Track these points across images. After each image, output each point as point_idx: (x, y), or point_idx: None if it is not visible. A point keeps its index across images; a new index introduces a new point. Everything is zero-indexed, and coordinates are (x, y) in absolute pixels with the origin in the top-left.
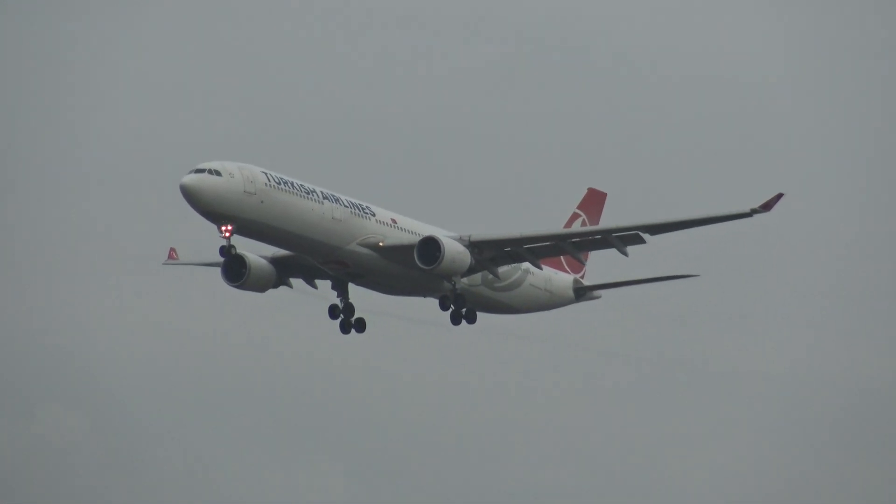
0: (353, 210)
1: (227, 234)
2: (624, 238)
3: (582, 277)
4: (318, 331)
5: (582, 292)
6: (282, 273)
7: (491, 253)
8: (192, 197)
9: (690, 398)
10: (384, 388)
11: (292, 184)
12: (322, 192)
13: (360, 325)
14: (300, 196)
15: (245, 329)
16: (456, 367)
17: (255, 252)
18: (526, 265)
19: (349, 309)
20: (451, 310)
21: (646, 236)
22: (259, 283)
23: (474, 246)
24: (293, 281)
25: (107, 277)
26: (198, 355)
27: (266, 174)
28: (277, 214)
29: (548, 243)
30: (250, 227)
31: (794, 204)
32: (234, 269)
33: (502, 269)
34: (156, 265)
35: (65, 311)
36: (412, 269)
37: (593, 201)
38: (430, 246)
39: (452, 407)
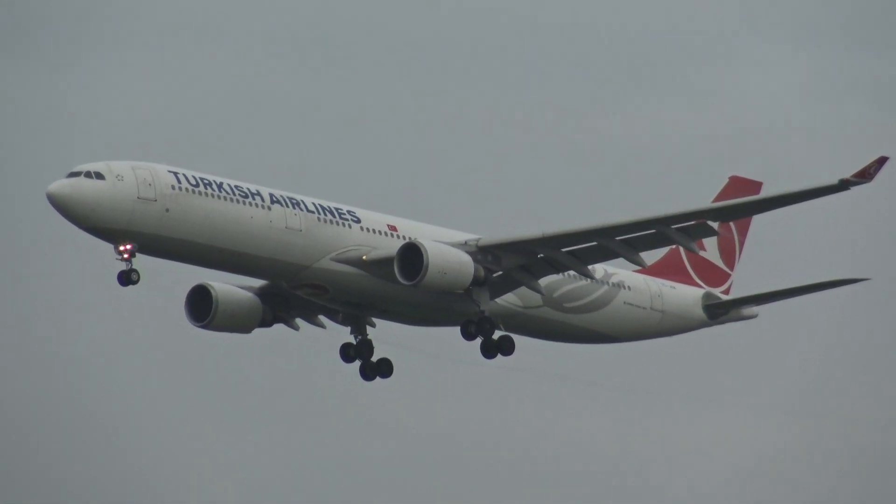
0: (321, 216)
1: (126, 256)
2: (687, 229)
3: (726, 291)
4: (331, 379)
5: (720, 310)
6: (276, 307)
7: (515, 260)
8: (63, 208)
9: None
10: (422, 450)
11: (220, 185)
12: (272, 196)
13: (385, 368)
14: (230, 201)
15: (233, 383)
16: (516, 419)
17: (237, 282)
18: (620, 277)
19: (365, 347)
20: (477, 339)
21: (714, 225)
22: (237, 321)
23: (485, 252)
24: (296, 315)
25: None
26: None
27: (177, 175)
28: (194, 226)
29: (588, 244)
30: (159, 246)
31: None
32: (201, 306)
33: (575, 286)
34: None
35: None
36: (415, 288)
37: (739, 194)
38: (411, 254)
39: (511, 471)
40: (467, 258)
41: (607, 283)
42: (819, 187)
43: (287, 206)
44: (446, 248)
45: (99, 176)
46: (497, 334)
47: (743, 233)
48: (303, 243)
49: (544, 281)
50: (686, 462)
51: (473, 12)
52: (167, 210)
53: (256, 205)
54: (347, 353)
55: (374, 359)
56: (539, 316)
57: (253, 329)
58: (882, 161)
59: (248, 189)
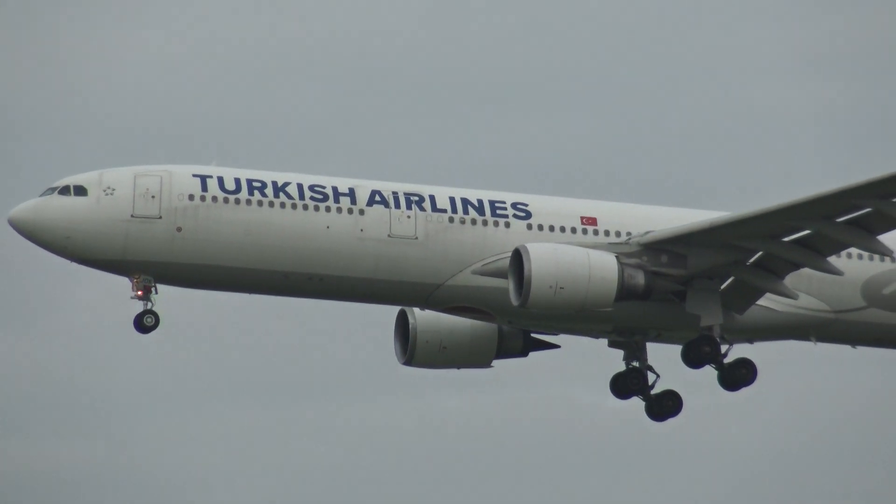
0: (458, 215)
1: (139, 293)
2: None
3: None
4: (605, 423)
5: None
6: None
7: (713, 259)
8: (29, 237)
9: None
10: None
11: (280, 188)
12: (377, 194)
13: (670, 403)
14: (292, 207)
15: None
16: None
17: None
18: None
19: (637, 377)
20: (703, 365)
21: None
22: (455, 354)
23: (654, 252)
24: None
25: None
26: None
27: (204, 179)
28: (227, 246)
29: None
30: (183, 276)
31: None
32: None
33: None
34: None
35: None
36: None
37: None
38: (519, 263)
39: None
40: (606, 264)
41: None
42: None
43: (396, 207)
44: (571, 251)
45: (80, 191)
46: (730, 358)
47: None
48: (420, 255)
49: (866, 275)
50: None
51: None
52: (179, 229)
53: (340, 209)
54: (619, 385)
55: (656, 391)
56: (864, 321)
57: (489, 361)
58: None
59: (334, 188)
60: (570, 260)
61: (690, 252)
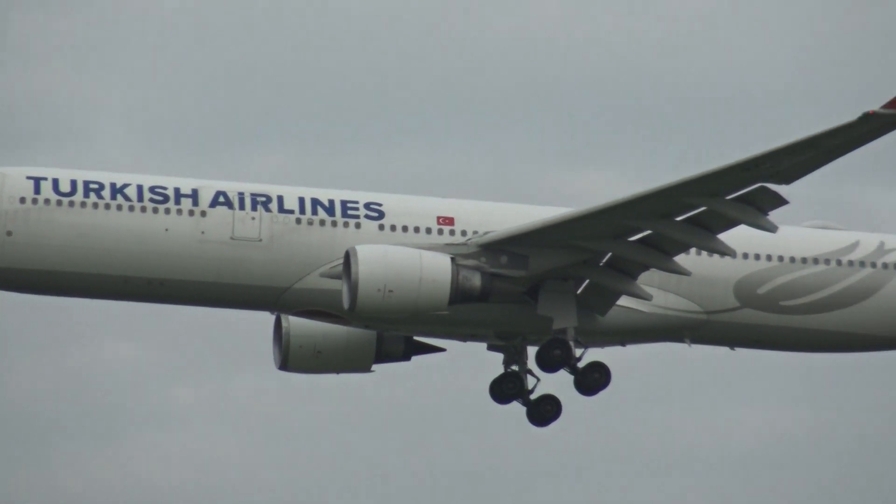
0: (306, 216)
1: None
2: (748, 197)
3: None
4: (484, 433)
5: None
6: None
7: (555, 260)
8: None
9: None
10: None
11: (118, 189)
12: (222, 195)
13: (549, 409)
14: (129, 210)
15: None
16: None
17: None
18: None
19: (515, 382)
20: (557, 369)
21: (779, 188)
22: (332, 359)
23: (493, 253)
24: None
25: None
26: None
27: (38, 182)
28: (60, 251)
29: (642, 232)
30: (18, 281)
31: None
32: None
33: (801, 275)
34: None
35: None
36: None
37: None
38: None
39: None
40: (438, 266)
41: (871, 264)
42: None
43: (241, 208)
44: (402, 253)
45: None
46: (584, 362)
47: None
48: (265, 258)
49: (739, 274)
50: None
51: None
52: (9, 233)
53: (181, 210)
54: (496, 390)
55: (535, 396)
56: (739, 322)
57: (369, 365)
58: None
59: (176, 189)
60: (400, 262)
61: (531, 252)
